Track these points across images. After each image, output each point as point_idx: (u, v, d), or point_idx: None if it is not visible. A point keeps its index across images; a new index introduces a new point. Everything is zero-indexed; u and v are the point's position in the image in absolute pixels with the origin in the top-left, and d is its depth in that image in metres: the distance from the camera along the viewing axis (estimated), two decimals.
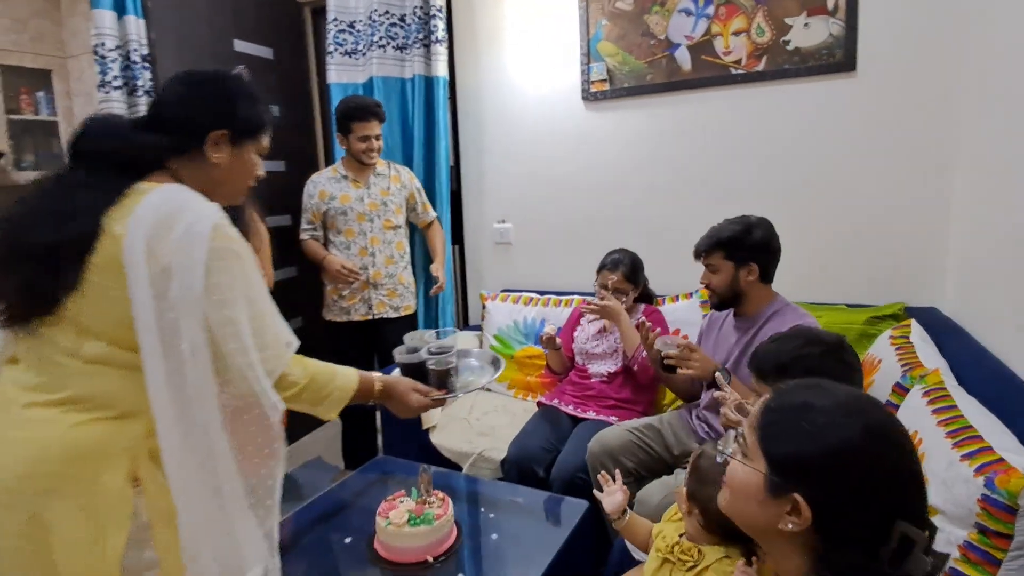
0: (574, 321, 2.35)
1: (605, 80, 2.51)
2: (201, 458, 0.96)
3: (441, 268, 2.66)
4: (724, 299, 1.77)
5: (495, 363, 1.67)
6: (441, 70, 2.69)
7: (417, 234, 2.85)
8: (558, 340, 2.20)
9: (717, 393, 1.39)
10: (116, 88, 2.48)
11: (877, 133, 2.14)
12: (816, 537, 0.73)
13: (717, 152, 2.38)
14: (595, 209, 2.65)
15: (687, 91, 2.38)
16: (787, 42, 2.20)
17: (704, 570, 1.00)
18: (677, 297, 2.37)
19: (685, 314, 2.32)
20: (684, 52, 2.36)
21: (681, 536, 1.07)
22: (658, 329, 1.88)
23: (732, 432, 0.81)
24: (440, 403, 1.45)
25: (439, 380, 1.50)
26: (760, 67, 2.25)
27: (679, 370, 1.68)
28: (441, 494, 1.55)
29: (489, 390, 2.66)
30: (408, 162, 2.88)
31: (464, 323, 3.05)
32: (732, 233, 1.71)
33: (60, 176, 1.03)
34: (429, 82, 2.76)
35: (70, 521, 0.92)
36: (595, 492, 1.33)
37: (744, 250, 1.70)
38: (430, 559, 1.44)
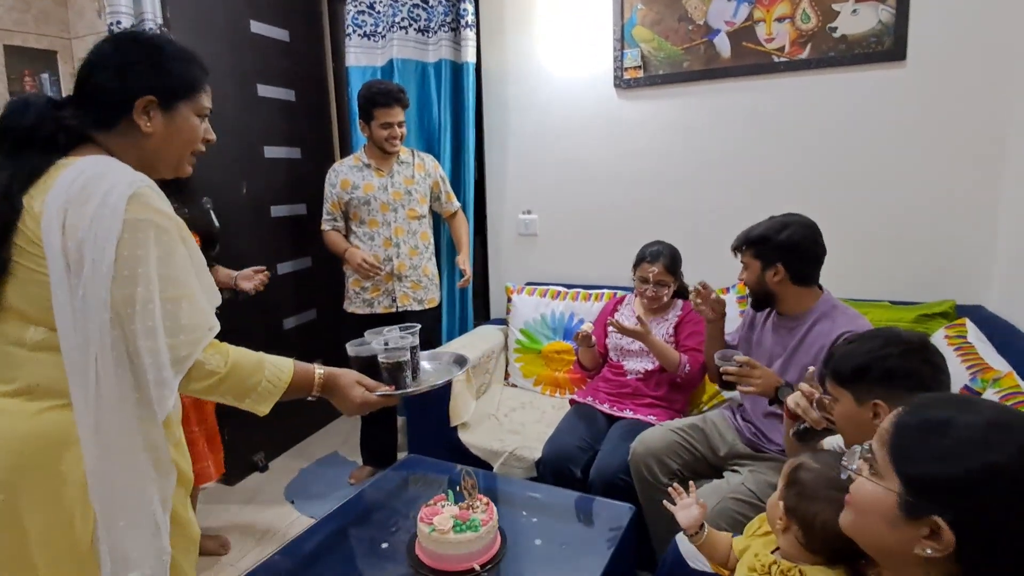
0: (607, 315, 2.25)
1: (639, 67, 2.42)
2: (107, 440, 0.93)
3: (467, 260, 2.59)
4: (756, 298, 1.72)
5: (459, 362, 1.54)
6: (470, 55, 2.60)
7: (442, 224, 2.77)
8: (594, 338, 2.13)
9: (802, 385, 1.29)
10: None
11: (926, 125, 2.06)
12: (956, 564, 0.66)
13: (756, 143, 2.30)
14: (625, 201, 2.57)
15: (726, 79, 2.29)
16: (834, 29, 2.11)
17: None
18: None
19: None
20: (724, 38, 2.27)
21: (775, 552, 1.00)
22: (714, 294, 1.83)
23: (858, 447, 0.74)
24: (390, 400, 1.29)
25: (391, 375, 1.36)
26: (804, 55, 2.17)
27: (739, 387, 1.59)
28: (485, 498, 1.48)
29: (515, 386, 2.59)
30: (430, 150, 2.79)
31: (486, 317, 2.97)
32: (761, 231, 1.66)
33: None
34: (457, 68, 2.67)
35: (40, 509, 0.93)
36: (667, 505, 1.25)
37: (770, 250, 1.63)
38: (476, 567, 1.38)
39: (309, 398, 1.17)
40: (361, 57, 2.81)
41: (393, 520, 1.68)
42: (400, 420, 2.81)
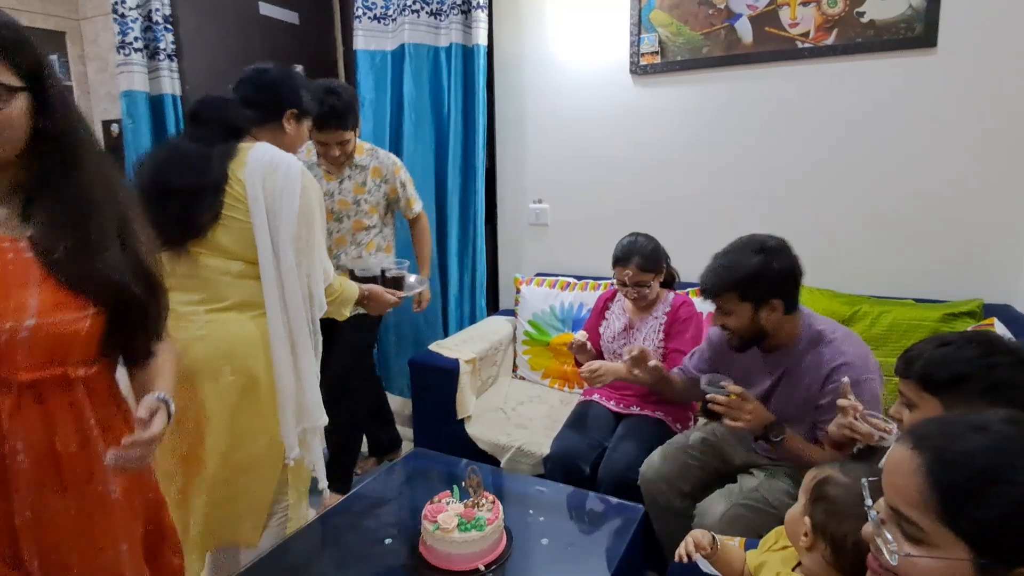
0: (598, 312, 2.18)
1: (656, 52, 2.34)
2: (293, 335, 1.42)
3: (425, 278, 2.29)
4: (746, 339, 1.51)
5: (422, 282, 2.13)
6: (481, 38, 2.53)
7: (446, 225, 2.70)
8: (589, 344, 2.00)
9: (841, 401, 1.21)
10: (136, 50, 2.33)
11: (956, 116, 1.98)
12: None
13: (778, 133, 2.22)
14: (640, 191, 2.50)
15: (747, 66, 2.21)
16: (861, 14, 2.02)
17: None
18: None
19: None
20: (746, 23, 2.18)
21: (795, 569, 0.94)
22: (652, 362, 1.68)
23: (885, 533, 0.65)
24: (400, 302, 1.82)
25: (395, 285, 1.86)
26: (830, 41, 2.08)
27: (725, 421, 1.44)
28: (491, 496, 1.44)
29: (523, 378, 2.55)
30: (442, 139, 2.73)
31: (494, 308, 2.92)
32: (746, 271, 1.42)
33: (190, 134, 1.43)
34: (468, 52, 2.60)
35: (265, 376, 1.41)
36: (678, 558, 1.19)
37: (764, 288, 1.43)
38: (481, 567, 1.34)
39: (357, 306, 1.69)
40: (371, 41, 2.75)
41: (397, 515, 1.65)
42: (403, 414, 2.78)
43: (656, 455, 1.71)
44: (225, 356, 1.37)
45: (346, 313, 1.61)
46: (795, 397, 1.50)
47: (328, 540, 1.54)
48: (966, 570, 0.60)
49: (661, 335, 1.98)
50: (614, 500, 1.62)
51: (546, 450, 1.94)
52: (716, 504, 1.52)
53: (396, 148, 2.78)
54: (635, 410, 1.98)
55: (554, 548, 1.45)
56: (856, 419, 1.16)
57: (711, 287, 1.49)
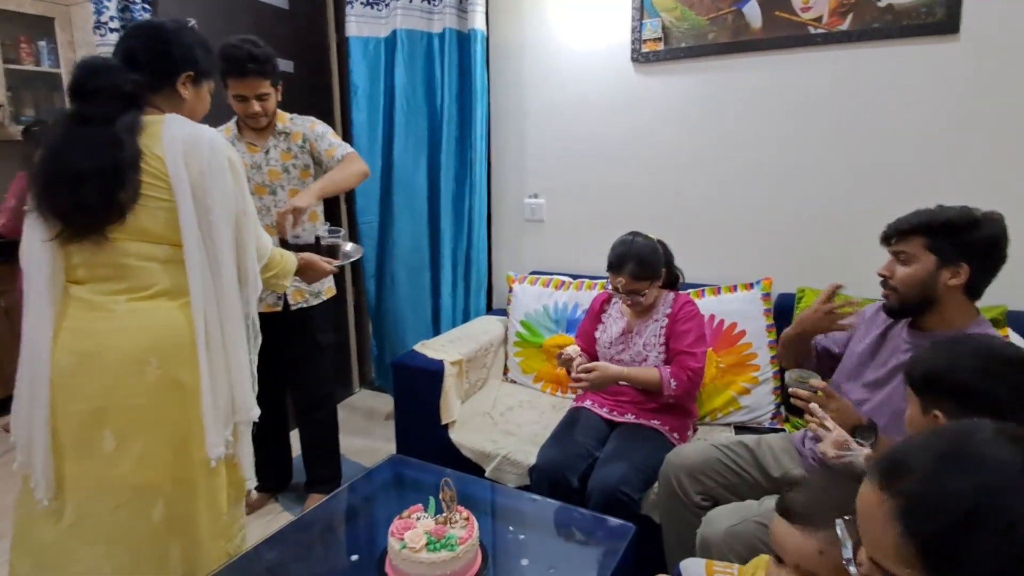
0: (595, 315, 2.04)
1: (659, 39, 2.21)
2: (223, 323, 1.31)
3: (311, 194, 1.88)
4: (907, 302, 1.34)
5: (358, 250, 1.96)
6: (478, 23, 2.41)
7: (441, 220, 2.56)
8: (578, 359, 1.82)
9: (813, 426, 1.13)
10: (113, 31, 2.22)
11: (979, 106, 1.84)
12: None
13: (789, 124, 2.09)
14: (641, 185, 2.37)
15: (756, 53, 2.08)
16: None
17: None
18: (735, 287, 2.10)
19: (741, 306, 2.05)
20: (754, 7, 2.05)
21: None
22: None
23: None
24: (337, 270, 1.76)
25: (331, 253, 1.77)
26: (845, 26, 1.94)
27: (805, 416, 1.31)
28: (465, 512, 1.32)
29: (515, 381, 2.42)
30: (435, 130, 2.61)
31: (488, 307, 2.80)
32: (949, 218, 1.28)
33: (78, 113, 1.23)
34: (463, 38, 2.48)
35: (188, 371, 1.27)
36: None
37: (960, 245, 1.28)
38: None
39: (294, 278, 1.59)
40: (363, 27, 2.64)
41: (366, 530, 1.53)
42: (384, 425, 2.66)
43: (686, 446, 1.64)
44: (151, 348, 1.25)
45: (286, 284, 1.53)
46: None
47: (291, 554, 1.42)
48: None
49: (662, 339, 1.85)
50: (603, 517, 1.49)
51: (533, 460, 1.81)
52: (727, 516, 1.39)
53: (388, 138, 2.67)
54: (630, 418, 1.85)
55: (534, 569, 1.33)
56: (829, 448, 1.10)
57: (900, 225, 1.35)
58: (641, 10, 2.22)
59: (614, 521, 1.46)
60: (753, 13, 2.06)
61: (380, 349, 2.92)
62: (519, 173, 2.64)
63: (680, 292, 1.95)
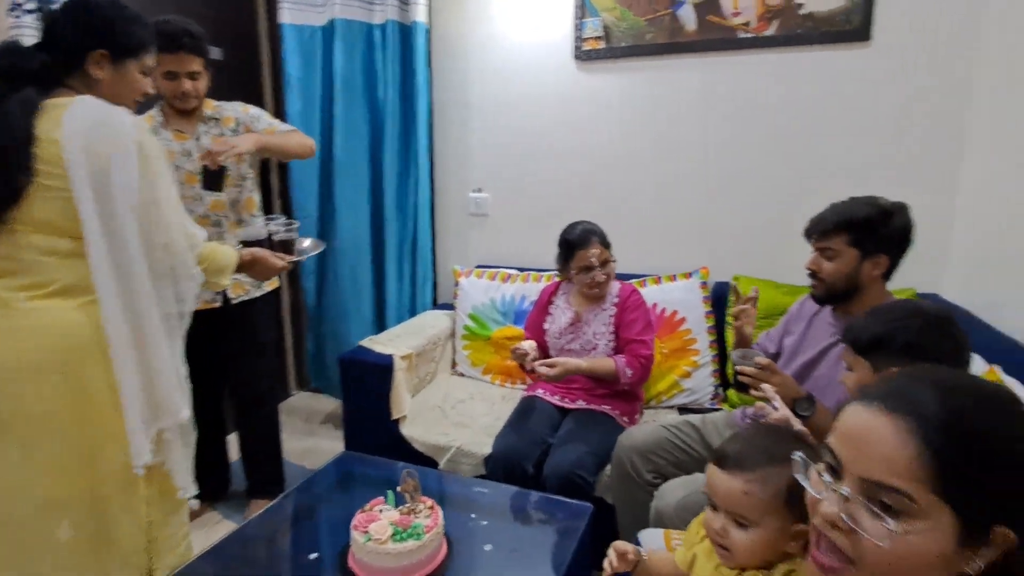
0: (543, 307, 2.08)
1: (600, 37, 2.28)
2: (138, 321, 1.22)
3: (251, 141, 1.82)
4: (834, 292, 1.45)
5: (318, 245, 1.86)
6: (420, 15, 2.39)
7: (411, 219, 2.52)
8: (531, 356, 1.85)
9: (760, 404, 1.23)
10: (28, 12, 2.04)
11: (888, 109, 2.02)
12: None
13: (721, 121, 2.21)
14: (583, 179, 2.43)
15: (691, 54, 2.18)
16: (800, 5, 2.03)
17: None
18: (675, 277, 2.20)
19: (681, 295, 2.15)
20: (689, 10, 2.15)
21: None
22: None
23: (856, 513, 0.59)
24: (290, 266, 1.65)
25: (284, 249, 1.67)
26: (771, 31, 2.08)
27: (752, 391, 1.40)
28: (429, 501, 1.32)
29: (463, 375, 2.42)
30: (378, 122, 2.57)
31: (433, 302, 2.78)
32: (867, 214, 1.39)
33: None
34: (405, 30, 2.45)
35: (100, 380, 1.20)
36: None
37: (877, 238, 1.39)
38: None
39: (237, 274, 1.49)
40: (298, 14, 2.55)
41: (324, 528, 1.50)
42: (337, 416, 2.60)
43: (636, 428, 1.71)
44: (52, 350, 1.16)
45: (223, 282, 1.42)
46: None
47: (244, 558, 1.37)
48: (950, 539, 0.55)
49: (612, 327, 1.91)
50: (561, 500, 1.53)
51: (487, 450, 1.83)
52: (677, 489, 1.47)
53: (328, 130, 2.60)
54: (581, 404, 1.91)
55: (498, 554, 1.34)
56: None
57: (821, 224, 1.44)
58: (582, 8, 2.28)
59: (572, 502, 1.51)
60: (688, 16, 2.16)
61: (319, 348, 2.84)
62: (463, 167, 2.65)
63: (624, 283, 2.03)
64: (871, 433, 0.59)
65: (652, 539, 1.32)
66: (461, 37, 2.52)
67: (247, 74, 2.83)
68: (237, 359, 2.09)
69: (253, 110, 2.02)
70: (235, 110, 2.00)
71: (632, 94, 2.30)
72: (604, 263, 1.87)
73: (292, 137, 2.01)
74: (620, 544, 1.10)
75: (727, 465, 0.88)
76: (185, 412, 1.30)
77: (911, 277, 2.01)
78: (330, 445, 2.65)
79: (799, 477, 0.66)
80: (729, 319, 1.98)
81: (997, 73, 1.81)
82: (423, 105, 2.49)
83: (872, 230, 1.40)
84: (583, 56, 2.32)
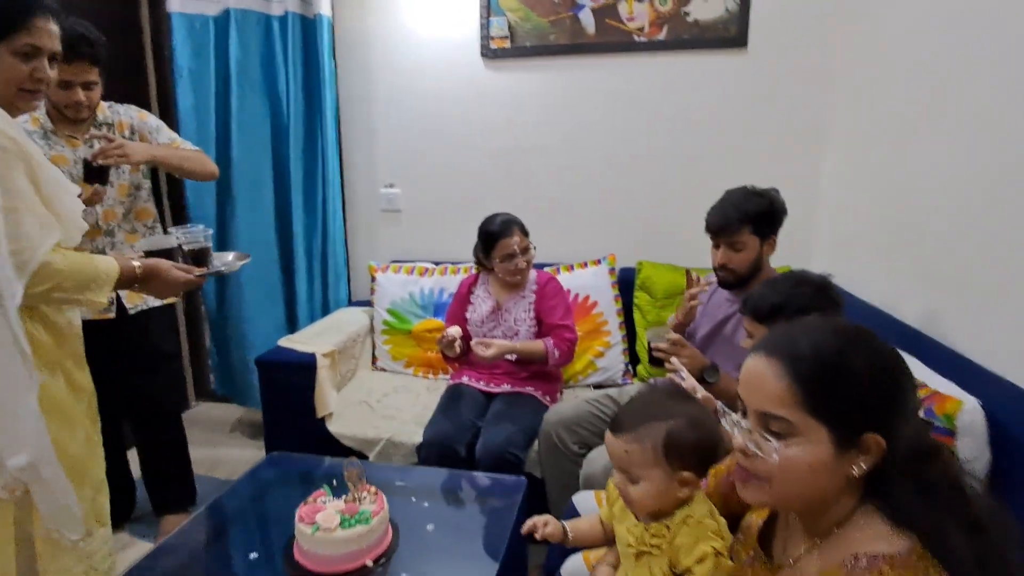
0: (463, 298, 2.15)
1: (506, 37, 2.37)
2: None
3: (145, 151, 1.75)
4: (743, 277, 1.62)
5: (243, 257, 1.72)
6: (324, 7, 2.35)
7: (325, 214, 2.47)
8: (458, 345, 1.94)
9: (671, 376, 1.39)
10: None
11: (762, 109, 2.28)
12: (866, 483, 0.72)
13: (620, 118, 2.38)
14: (494, 174, 2.52)
15: (592, 55, 2.33)
16: (687, 13, 2.24)
17: (674, 540, 0.93)
18: (586, 264, 2.34)
19: (592, 280, 2.30)
20: (588, 14, 2.30)
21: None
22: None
23: (758, 438, 0.72)
24: (201, 281, 1.48)
25: (195, 260, 1.53)
26: (662, 36, 2.27)
27: (666, 364, 1.53)
28: (373, 488, 1.34)
29: (384, 370, 2.42)
30: (279, 116, 2.50)
31: (346, 300, 2.75)
32: (759, 207, 1.58)
33: None
34: (308, 23, 2.40)
35: None
36: (529, 532, 1.20)
37: (771, 223, 1.59)
38: (369, 563, 1.24)
39: (134, 287, 1.34)
40: (188, 3, 2.41)
41: (260, 528, 1.46)
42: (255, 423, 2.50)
43: (560, 404, 1.83)
44: None
45: (99, 300, 1.22)
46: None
47: (173, 571, 1.31)
48: (829, 449, 0.68)
49: (532, 313, 2.01)
50: (496, 476, 1.60)
51: (418, 439, 1.86)
52: (602, 455, 1.59)
53: (224, 123, 2.48)
54: (506, 388, 1.99)
55: (441, 533, 1.39)
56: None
57: (730, 223, 1.58)
58: (488, 8, 2.36)
59: (507, 478, 1.58)
60: (588, 19, 2.31)
61: (224, 354, 2.71)
62: (373, 163, 2.64)
63: (541, 271, 2.13)
64: (758, 376, 0.72)
65: (585, 500, 1.43)
66: (368, 31, 2.52)
67: (129, 65, 2.63)
68: (136, 373, 1.94)
69: (151, 120, 1.91)
70: (130, 115, 1.87)
71: (539, 91, 2.41)
72: (525, 250, 1.97)
73: (193, 157, 1.89)
74: (542, 523, 1.19)
75: (613, 429, 0.98)
76: (19, 459, 1.11)
77: (785, 257, 2.29)
78: (241, 454, 2.55)
79: (724, 422, 0.78)
80: (678, 302, 2.13)
81: (853, 77, 2.10)
82: (329, 100, 2.46)
83: (767, 217, 1.60)
84: (490, 54, 2.40)
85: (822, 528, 0.73)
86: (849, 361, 0.69)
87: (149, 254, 1.45)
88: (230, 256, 1.71)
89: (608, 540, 1.18)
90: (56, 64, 1.24)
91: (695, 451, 0.90)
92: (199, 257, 1.54)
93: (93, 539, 1.33)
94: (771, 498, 0.74)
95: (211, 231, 1.60)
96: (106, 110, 1.83)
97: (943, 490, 0.68)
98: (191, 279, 1.43)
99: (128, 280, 1.31)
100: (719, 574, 0.86)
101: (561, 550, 1.35)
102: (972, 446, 1.11)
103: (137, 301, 1.88)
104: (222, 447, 2.64)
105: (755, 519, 0.86)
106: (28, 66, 1.16)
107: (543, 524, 1.20)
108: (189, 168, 1.88)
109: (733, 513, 0.96)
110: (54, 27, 1.20)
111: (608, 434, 0.99)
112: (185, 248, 1.53)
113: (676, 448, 0.88)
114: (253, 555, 1.31)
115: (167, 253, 1.49)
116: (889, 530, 0.68)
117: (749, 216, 1.58)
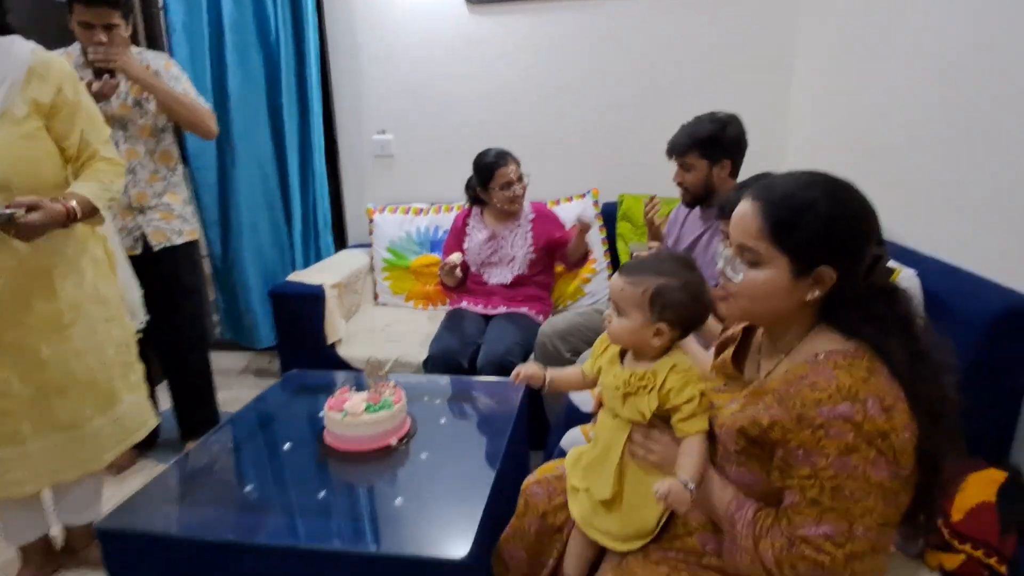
0: (459, 231, 2.32)
1: None
2: None
3: (142, 70, 1.87)
4: (697, 196, 1.80)
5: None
6: None
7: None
8: (459, 272, 2.14)
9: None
10: None
11: (731, 42, 2.40)
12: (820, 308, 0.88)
13: (599, 57, 2.50)
14: (481, 118, 2.64)
15: None
16: None
17: (663, 385, 1.03)
18: (571, 198, 2.50)
19: (578, 213, 2.44)
20: None
21: (623, 361, 1.13)
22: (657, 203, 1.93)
23: (735, 263, 0.89)
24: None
25: None
26: None
27: None
28: (392, 382, 1.51)
29: (386, 304, 2.57)
30: (273, 67, 2.58)
31: (342, 244, 2.88)
32: (709, 132, 1.74)
33: None
34: None
35: None
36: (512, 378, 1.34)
37: (719, 147, 1.74)
38: (393, 442, 1.42)
39: None
40: None
41: (290, 427, 1.62)
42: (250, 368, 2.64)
43: (555, 317, 2.01)
44: None
45: None
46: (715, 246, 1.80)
47: (219, 459, 1.48)
48: (786, 276, 0.85)
49: (530, 241, 2.18)
50: (499, 380, 1.78)
51: (423, 357, 2.03)
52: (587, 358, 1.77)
53: (220, 76, 2.57)
54: (502, 309, 2.16)
55: (453, 425, 1.58)
56: None
57: (679, 146, 1.77)
58: None
59: (509, 381, 1.74)
60: None
61: (230, 300, 2.83)
62: (364, 111, 2.74)
63: (534, 202, 2.30)
64: (740, 215, 0.90)
65: (580, 395, 1.61)
66: None
67: None
68: (162, 306, 2.07)
69: (175, 69, 2.03)
70: (158, 63, 1.98)
71: (521, 36, 2.52)
72: (520, 178, 2.15)
73: (200, 109, 2.00)
74: (531, 369, 1.31)
75: (621, 271, 1.13)
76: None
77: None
78: (252, 395, 2.68)
79: (719, 260, 0.94)
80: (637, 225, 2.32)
81: (817, 10, 2.23)
82: (313, 47, 2.55)
83: (714, 142, 1.76)
84: (474, 0, 2.50)
85: (785, 345, 0.91)
86: (815, 204, 0.84)
87: None
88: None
89: (586, 387, 1.32)
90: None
91: (676, 309, 1.04)
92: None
93: (122, 403, 1.59)
94: (739, 311, 0.92)
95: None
96: (135, 53, 1.93)
97: (888, 319, 0.84)
98: None
99: None
100: (702, 411, 1.02)
101: (562, 430, 1.54)
102: None
103: (161, 240, 2.02)
104: (234, 389, 2.79)
105: (726, 355, 1.03)
106: None
107: (528, 366, 1.33)
108: (183, 114, 1.97)
109: None
110: None
111: (616, 275, 1.13)
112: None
113: (661, 300, 1.03)
114: (287, 445, 1.48)
115: None
116: (842, 337, 0.86)
117: (697, 140, 1.75)
